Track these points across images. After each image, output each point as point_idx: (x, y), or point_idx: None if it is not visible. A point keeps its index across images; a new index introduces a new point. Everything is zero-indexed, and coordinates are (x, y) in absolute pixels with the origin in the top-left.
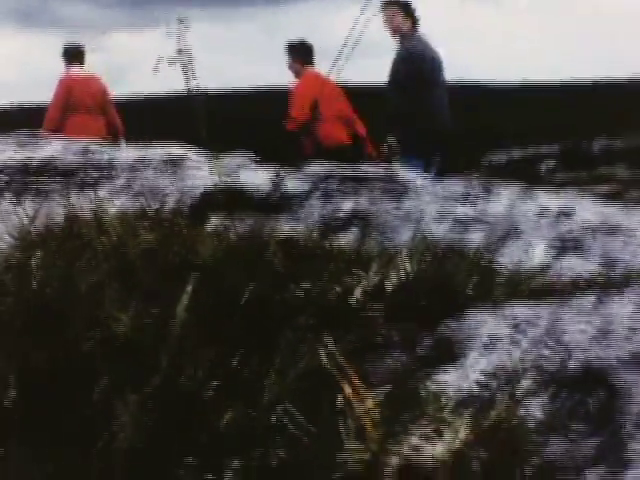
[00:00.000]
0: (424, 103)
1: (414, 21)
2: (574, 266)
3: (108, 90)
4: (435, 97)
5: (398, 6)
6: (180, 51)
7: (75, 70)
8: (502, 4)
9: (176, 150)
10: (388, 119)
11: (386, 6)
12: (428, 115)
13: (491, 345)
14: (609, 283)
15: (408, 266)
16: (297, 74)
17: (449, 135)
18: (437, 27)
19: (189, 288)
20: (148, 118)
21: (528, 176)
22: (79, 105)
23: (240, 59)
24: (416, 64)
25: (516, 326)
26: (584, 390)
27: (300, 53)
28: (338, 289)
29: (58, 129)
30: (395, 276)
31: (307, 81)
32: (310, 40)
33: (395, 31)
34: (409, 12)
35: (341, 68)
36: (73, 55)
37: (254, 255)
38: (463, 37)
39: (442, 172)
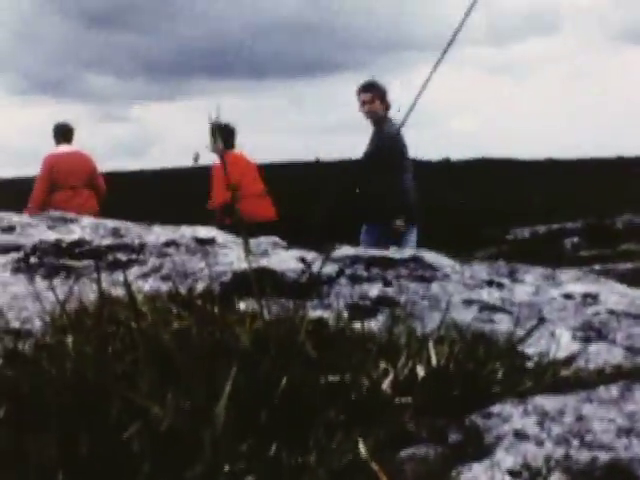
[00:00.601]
0: (400, 181)
1: (387, 106)
2: (600, 353)
3: (93, 164)
4: (408, 176)
5: (377, 91)
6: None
7: (62, 148)
8: (528, 77)
9: (205, 231)
10: (364, 198)
11: (365, 89)
12: (404, 192)
13: (517, 442)
14: (635, 371)
15: (437, 355)
16: (219, 156)
17: (418, 210)
18: (464, 98)
19: (232, 375)
20: (174, 191)
21: (552, 252)
22: (62, 182)
23: (265, 131)
24: (398, 146)
25: (541, 423)
26: None
27: (225, 136)
28: (367, 382)
29: (44, 206)
30: (424, 365)
31: (229, 163)
32: (334, 112)
33: (371, 114)
34: (386, 97)
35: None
36: (61, 134)
37: (287, 341)
38: (489, 110)
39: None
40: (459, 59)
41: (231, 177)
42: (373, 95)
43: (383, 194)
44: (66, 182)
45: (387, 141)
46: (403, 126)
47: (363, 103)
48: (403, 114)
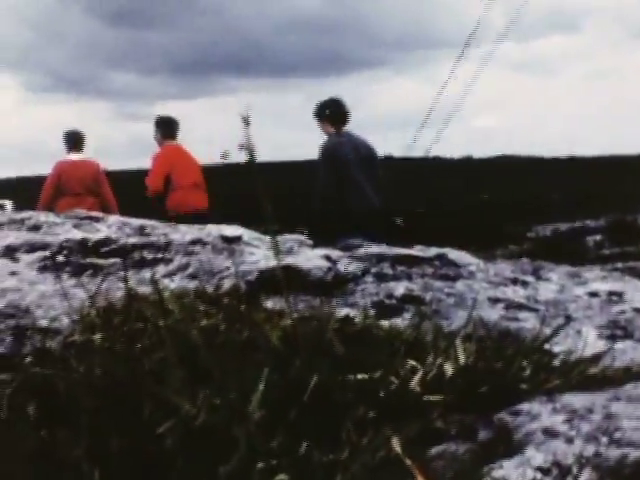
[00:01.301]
0: (345, 188)
1: (340, 125)
2: (626, 351)
3: (101, 173)
4: (356, 182)
5: (316, 115)
6: (243, 146)
7: (72, 156)
8: (549, 75)
9: (231, 230)
10: (318, 204)
11: (316, 117)
12: (350, 198)
13: (546, 439)
14: None
15: (465, 353)
16: (159, 146)
17: (375, 215)
18: (486, 95)
19: (265, 374)
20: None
21: (574, 250)
22: (67, 188)
23: (287, 128)
24: (334, 157)
25: (570, 420)
26: None
27: (162, 127)
28: (396, 380)
29: (50, 210)
30: (452, 363)
31: (164, 154)
32: (357, 110)
33: (325, 132)
34: (327, 117)
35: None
36: (73, 141)
37: (315, 339)
38: (511, 107)
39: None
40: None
41: (164, 168)
42: (318, 120)
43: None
44: (72, 189)
45: (321, 156)
46: (449, 119)
47: (318, 126)
48: (428, 110)
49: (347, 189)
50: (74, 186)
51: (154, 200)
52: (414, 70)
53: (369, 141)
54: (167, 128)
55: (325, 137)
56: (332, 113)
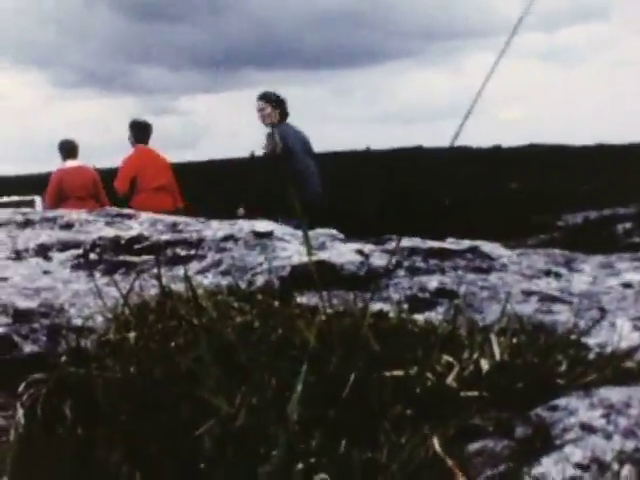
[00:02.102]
0: (291, 176)
1: (283, 113)
2: None
3: (97, 177)
4: (300, 171)
5: (267, 100)
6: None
7: (69, 164)
8: (576, 63)
9: (263, 225)
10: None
11: (258, 98)
12: (296, 185)
13: (584, 435)
14: None
15: (500, 347)
16: (132, 147)
17: (318, 202)
18: (514, 85)
19: (303, 372)
20: (224, 183)
21: (604, 238)
22: (70, 193)
23: (315, 121)
24: (280, 145)
25: (608, 415)
26: None
27: (135, 131)
28: (432, 376)
29: None
30: (488, 359)
31: (133, 157)
32: (383, 102)
33: (264, 120)
34: (278, 106)
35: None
36: (67, 150)
37: (350, 335)
38: (538, 96)
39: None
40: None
41: (130, 171)
42: (264, 104)
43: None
44: (73, 193)
45: (269, 145)
46: (469, 114)
47: (258, 110)
48: (472, 101)
49: (298, 175)
50: (77, 190)
51: (122, 201)
52: (439, 60)
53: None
54: (140, 132)
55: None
56: (283, 104)
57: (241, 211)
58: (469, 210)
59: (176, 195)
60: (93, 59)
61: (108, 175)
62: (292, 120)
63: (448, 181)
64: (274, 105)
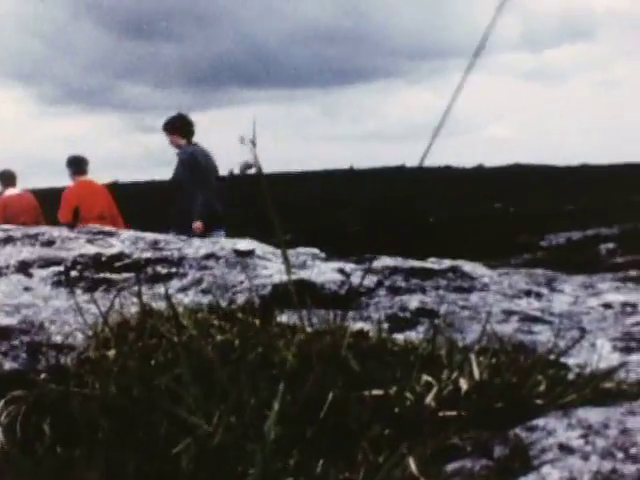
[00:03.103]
0: (198, 195)
1: (189, 137)
2: None
3: (37, 204)
4: (207, 190)
5: (168, 127)
6: (248, 165)
7: (10, 191)
8: (562, 83)
9: (244, 244)
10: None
11: (162, 129)
12: (202, 204)
13: (562, 456)
14: None
15: (479, 367)
16: (72, 180)
17: (221, 217)
18: (498, 105)
19: (280, 392)
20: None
21: (587, 259)
22: (13, 219)
23: (299, 139)
24: (190, 168)
25: (586, 436)
26: None
27: (73, 166)
28: (411, 395)
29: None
30: (467, 379)
31: (73, 189)
32: (368, 120)
33: (173, 144)
34: (176, 130)
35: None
36: (7, 178)
37: (330, 355)
38: (523, 116)
39: None
40: (494, 65)
41: (72, 202)
42: (167, 132)
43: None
44: (17, 219)
45: (179, 166)
46: (437, 133)
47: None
48: (438, 121)
49: (204, 192)
50: (19, 216)
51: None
52: (426, 80)
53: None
54: (77, 166)
55: (176, 149)
56: (183, 126)
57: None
58: (453, 229)
59: (116, 220)
60: (80, 75)
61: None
62: (275, 137)
63: (432, 200)
64: (172, 130)
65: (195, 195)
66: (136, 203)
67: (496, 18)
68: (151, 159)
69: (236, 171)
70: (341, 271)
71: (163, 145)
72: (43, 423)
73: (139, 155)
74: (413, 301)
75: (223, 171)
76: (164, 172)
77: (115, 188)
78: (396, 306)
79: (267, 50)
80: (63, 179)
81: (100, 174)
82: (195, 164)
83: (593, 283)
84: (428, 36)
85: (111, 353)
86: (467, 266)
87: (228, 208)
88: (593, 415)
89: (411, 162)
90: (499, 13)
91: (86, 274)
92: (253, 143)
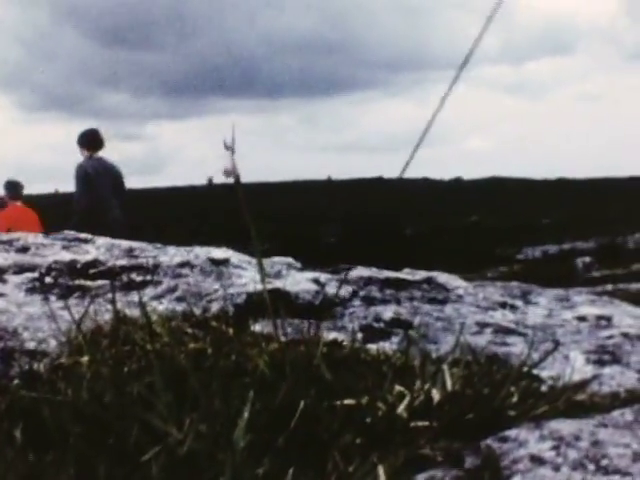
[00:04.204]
0: (95, 203)
1: (92, 150)
2: (613, 377)
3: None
4: (103, 198)
5: (81, 143)
6: (228, 172)
7: (15, 204)
8: (541, 97)
9: (219, 252)
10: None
11: (78, 144)
12: (99, 211)
13: (534, 467)
14: None
15: (452, 378)
16: (3, 206)
17: (119, 225)
18: (478, 117)
19: (250, 400)
20: (188, 209)
21: (564, 272)
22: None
23: (279, 149)
24: (77, 179)
25: (557, 447)
26: None
27: (8, 190)
28: (383, 405)
29: None
30: (440, 389)
31: (6, 213)
32: (347, 131)
33: (82, 156)
34: (89, 147)
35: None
36: (14, 188)
37: (303, 364)
38: (502, 129)
39: None
40: (474, 78)
41: (6, 224)
42: (79, 146)
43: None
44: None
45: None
46: (419, 146)
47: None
48: (418, 133)
49: (97, 203)
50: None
51: None
52: (404, 91)
53: (116, 165)
54: (12, 190)
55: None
56: (88, 140)
57: None
58: (430, 241)
59: None
60: (59, 83)
61: (71, 198)
62: (255, 147)
63: (409, 212)
64: (79, 144)
65: (80, 205)
66: None
67: (483, 32)
68: (129, 167)
69: (220, 178)
70: (316, 281)
71: (142, 153)
72: (15, 429)
73: (117, 163)
74: (387, 312)
75: (201, 180)
76: (142, 180)
77: None
78: (370, 316)
79: (248, 60)
80: (40, 186)
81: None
82: (82, 176)
83: (568, 296)
84: (407, 48)
85: (84, 360)
86: (442, 277)
87: (125, 221)
88: (565, 427)
89: (389, 173)
90: (486, 28)
91: (60, 281)
92: (232, 151)
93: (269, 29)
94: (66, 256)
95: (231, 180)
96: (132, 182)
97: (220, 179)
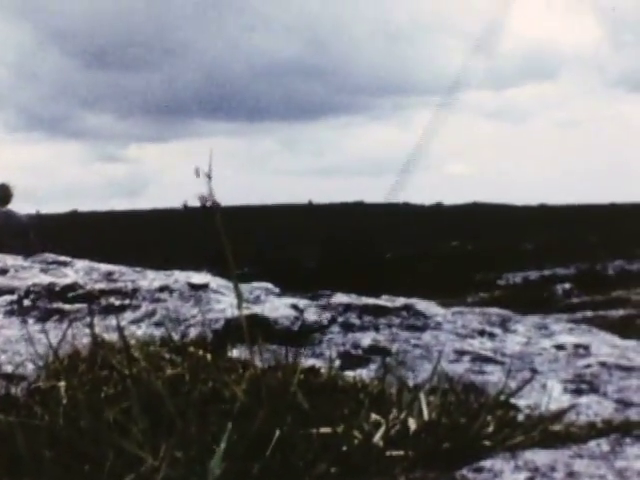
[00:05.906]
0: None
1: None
2: (590, 406)
3: None
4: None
5: None
6: (205, 199)
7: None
8: (523, 123)
9: (198, 277)
10: None
11: None
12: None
13: None
14: (626, 425)
15: (429, 407)
16: None
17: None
18: (459, 143)
19: (227, 429)
20: (168, 232)
21: (544, 298)
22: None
23: (260, 173)
24: None
25: (532, 478)
26: None
27: None
28: (359, 434)
29: None
30: (416, 418)
31: None
32: (323, 156)
33: None
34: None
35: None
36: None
37: (279, 391)
38: (483, 155)
39: None
40: (456, 103)
41: None
42: None
43: None
44: None
45: None
46: (407, 171)
47: None
48: (400, 158)
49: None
50: None
51: None
52: (387, 116)
53: (24, 216)
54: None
55: None
56: None
57: None
58: (411, 266)
59: None
60: (42, 103)
61: (52, 220)
62: (236, 170)
63: (389, 237)
64: None
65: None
66: (94, 233)
67: (471, 59)
68: (111, 189)
69: (195, 202)
70: (295, 307)
71: (123, 175)
72: None
73: (99, 184)
74: (366, 339)
75: (177, 203)
76: (124, 202)
77: (74, 217)
78: (349, 343)
79: (229, 83)
80: (24, 206)
81: (60, 202)
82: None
83: (547, 324)
84: (390, 73)
85: (61, 384)
86: (421, 305)
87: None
88: (540, 457)
89: (370, 198)
90: (475, 54)
91: (39, 304)
92: (209, 176)
93: (252, 53)
94: (45, 279)
95: (208, 204)
96: (113, 204)
97: (196, 203)
